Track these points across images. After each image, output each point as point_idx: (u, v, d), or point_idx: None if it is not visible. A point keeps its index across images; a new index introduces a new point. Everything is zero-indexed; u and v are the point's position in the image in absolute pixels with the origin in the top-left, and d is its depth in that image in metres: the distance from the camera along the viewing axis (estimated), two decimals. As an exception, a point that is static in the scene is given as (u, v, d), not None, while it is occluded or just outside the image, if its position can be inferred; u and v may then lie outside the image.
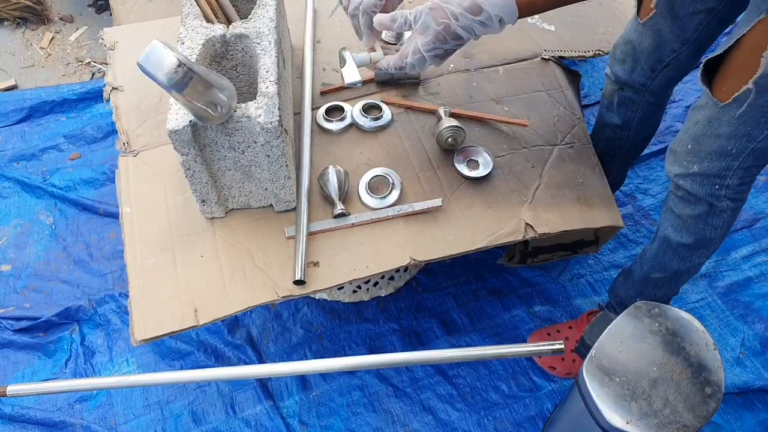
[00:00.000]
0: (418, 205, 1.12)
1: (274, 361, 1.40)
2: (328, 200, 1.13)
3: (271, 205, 1.12)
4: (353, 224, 1.10)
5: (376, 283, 1.45)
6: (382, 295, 1.46)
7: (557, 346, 0.88)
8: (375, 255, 1.07)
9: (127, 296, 1.49)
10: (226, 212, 1.12)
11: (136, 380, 0.97)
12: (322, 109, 1.26)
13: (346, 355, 1.41)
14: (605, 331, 1.02)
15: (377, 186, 1.15)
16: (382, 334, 1.44)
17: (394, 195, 1.13)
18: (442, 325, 1.44)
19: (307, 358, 1.40)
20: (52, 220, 1.68)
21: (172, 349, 1.41)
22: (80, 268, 1.57)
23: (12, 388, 0.89)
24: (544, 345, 0.91)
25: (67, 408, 1.34)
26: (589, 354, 1.00)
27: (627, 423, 0.94)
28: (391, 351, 1.41)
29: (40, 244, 1.63)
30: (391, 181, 1.14)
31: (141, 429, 1.31)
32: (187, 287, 1.04)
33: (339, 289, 1.40)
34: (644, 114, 1.21)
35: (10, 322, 1.47)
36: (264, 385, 1.35)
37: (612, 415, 0.95)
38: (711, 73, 0.88)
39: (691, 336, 1.00)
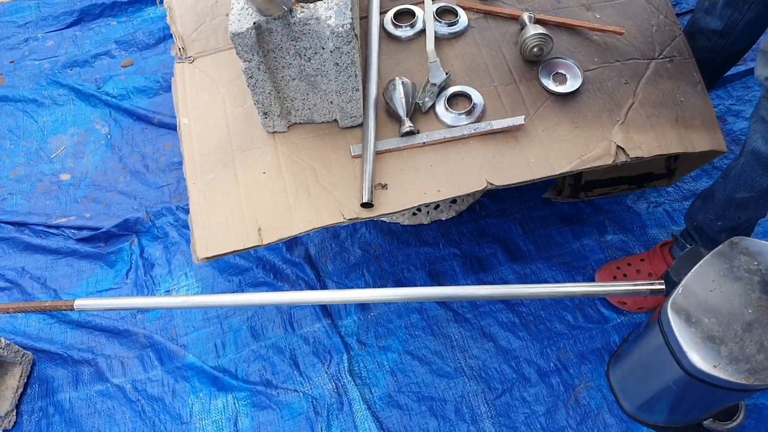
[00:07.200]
0: (497, 123, 1.02)
1: (332, 281, 1.37)
2: (395, 117, 1.04)
3: (335, 120, 1.04)
4: (424, 143, 1.02)
5: (437, 206, 1.38)
6: (443, 218, 1.40)
7: (657, 287, 0.80)
8: (447, 178, 0.99)
9: (184, 210, 1.48)
10: (289, 126, 1.04)
11: (199, 301, 0.96)
12: (390, 13, 1.15)
13: (404, 277, 1.37)
14: (694, 267, 0.94)
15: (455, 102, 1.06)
16: (442, 258, 1.39)
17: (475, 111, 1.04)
18: (506, 252, 1.38)
19: (364, 279, 1.37)
20: (108, 129, 1.65)
21: (230, 264, 1.40)
22: (137, 180, 1.56)
23: (79, 303, 0.88)
24: (642, 284, 0.83)
25: (130, 318, 1.36)
26: (675, 291, 0.93)
27: (714, 367, 0.88)
28: (451, 276, 1.36)
29: (97, 154, 1.61)
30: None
31: (201, 341, 1.32)
32: (250, 205, 0.99)
33: (399, 210, 1.34)
34: (754, 17, 1.06)
35: (73, 231, 1.48)
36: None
37: (697, 358, 0.89)
38: None
39: (797, 277, 0.90)
